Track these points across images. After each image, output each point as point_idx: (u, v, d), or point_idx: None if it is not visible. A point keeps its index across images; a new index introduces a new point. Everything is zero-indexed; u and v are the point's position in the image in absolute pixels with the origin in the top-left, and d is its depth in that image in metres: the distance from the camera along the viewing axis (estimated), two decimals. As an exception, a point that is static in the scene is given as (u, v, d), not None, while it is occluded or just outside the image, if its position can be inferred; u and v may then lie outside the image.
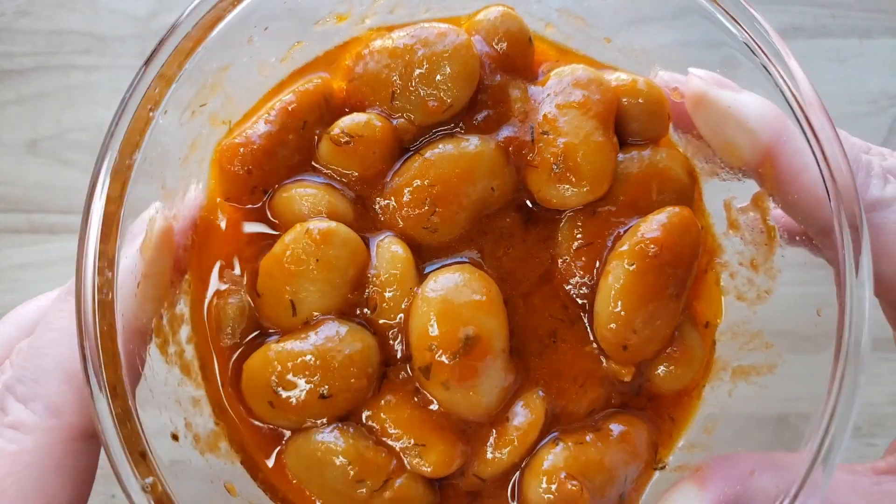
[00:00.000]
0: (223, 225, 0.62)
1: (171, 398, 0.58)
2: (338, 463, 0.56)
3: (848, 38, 1.14)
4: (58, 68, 1.08)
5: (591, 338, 0.62)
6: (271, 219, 0.62)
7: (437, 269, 0.60)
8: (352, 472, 0.56)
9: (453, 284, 0.58)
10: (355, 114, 0.61)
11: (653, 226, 0.60)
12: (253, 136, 0.60)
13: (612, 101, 0.62)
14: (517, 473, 0.61)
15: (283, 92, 0.62)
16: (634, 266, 0.59)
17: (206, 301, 0.61)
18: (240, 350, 0.60)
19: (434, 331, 0.56)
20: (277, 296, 0.58)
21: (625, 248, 0.60)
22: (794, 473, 0.54)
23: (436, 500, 0.60)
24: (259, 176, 0.61)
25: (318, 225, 0.57)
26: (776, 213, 0.63)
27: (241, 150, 0.60)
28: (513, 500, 0.61)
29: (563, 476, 0.58)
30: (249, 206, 0.62)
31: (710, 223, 0.69)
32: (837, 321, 0.54)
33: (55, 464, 0.50)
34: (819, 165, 0.55)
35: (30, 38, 1.08)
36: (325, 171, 0.62)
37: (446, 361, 0.56)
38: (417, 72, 0.60)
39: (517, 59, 0.64)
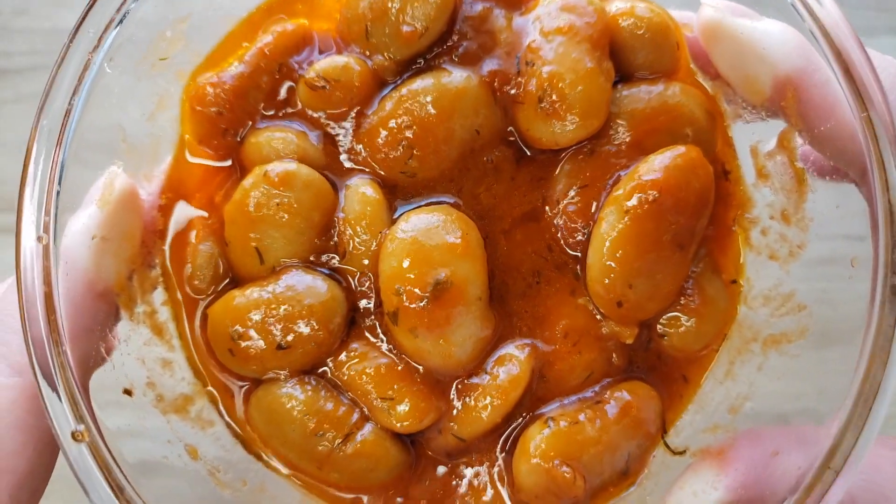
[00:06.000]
0: (198, 172, 0.59)
1: (133, 356, 0.56)
2: (296, 415, 0.53)
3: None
4: (56, 67, 1.06)
5: (586, 292, 0.56)
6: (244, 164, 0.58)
7: (411, 209, 0.55)
8: (310, 425, 0.53)
9: (426, 225, 0.53)
10: (333, 56, 0.57)
11: (653, 167, 0.52)
12: (225, 77, 0.57)
13: (604, 24, 0.55)
14: (507, 432, 0.56)
15: (259, 31, 0.59)
16: (630, 213, 0.52)
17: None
18: (210, 298, 0.57)
19: (402, 274, 0.52)
20: (243, 244, 0.55)
21: (620, 192, 0.53)
22: (822, 450, 0.47)
23: (408, 459, 0.56)
24: (230, 118, 0.57)
25: (277, 167, 0.54)
26: (804, 150, 0.56)
27: (212, 90, 0.57)
28: (503, 454, 0.56)
29: (555, 463, 0.52)
30: (222, 150, 0.58)
31: (741, 174, 0.61)
32: (872, 261, 0.47)
33: (16, 421, 0.49)
34: (846, 93, 0.49)
35: (28, 37, 1.05)
36: (303, 115, 0.58)
37: (414, 307, 0.51)
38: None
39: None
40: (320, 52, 0.59)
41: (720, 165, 0.59)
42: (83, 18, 0.51)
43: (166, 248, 0.57)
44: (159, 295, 0.57)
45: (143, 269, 0.56)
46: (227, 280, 0.57)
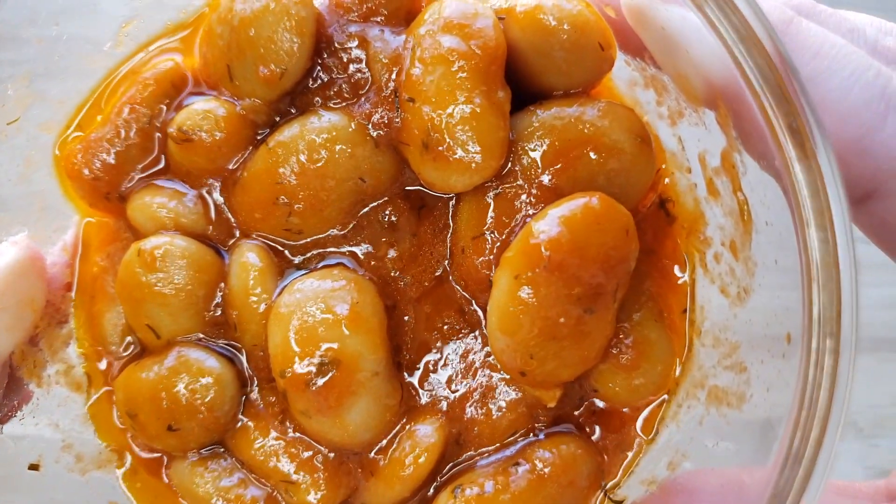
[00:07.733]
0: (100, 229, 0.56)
1: (43, 424, 0.55)
2: (202, 496, 0.52)
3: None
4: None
5: None
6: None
7: (302, 275, 0.50)
8: None
9: (311, 295, 0.48)
10: (196, 103, 0.51)
11: (546, 224, 0.44)
12: (94, 138, 0.52)
13: (497, 44, 0.45)
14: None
15: (128, 79, 0.54)
16: (521, 279, 0.44)
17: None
18: (122, 363, 0.55)
19: (286, 354, 0.47)
20: (136, 319, 0.53)
21: (511, 253, 0.45)
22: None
23: None
24: (108, 181, 0.53)
25: (149, 244, 0.50)
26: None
27: (81, 155, 0.53)
28: None
29: None
30: (112, 212, 0.55)
31: (693, 183, 0.52)
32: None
33: None
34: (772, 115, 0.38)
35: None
36: (180, 172, 0.52)
37: (302, 389, 0.47)
38: (242, 35, 0.47)
39: (379, 4, 0.50)
40: (197, 94, 0.52)
41: (658, 196, 0.49)
42: None
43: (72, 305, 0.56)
44: (74, 347, 0.56)
45: (52, 328, 0.55)
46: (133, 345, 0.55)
